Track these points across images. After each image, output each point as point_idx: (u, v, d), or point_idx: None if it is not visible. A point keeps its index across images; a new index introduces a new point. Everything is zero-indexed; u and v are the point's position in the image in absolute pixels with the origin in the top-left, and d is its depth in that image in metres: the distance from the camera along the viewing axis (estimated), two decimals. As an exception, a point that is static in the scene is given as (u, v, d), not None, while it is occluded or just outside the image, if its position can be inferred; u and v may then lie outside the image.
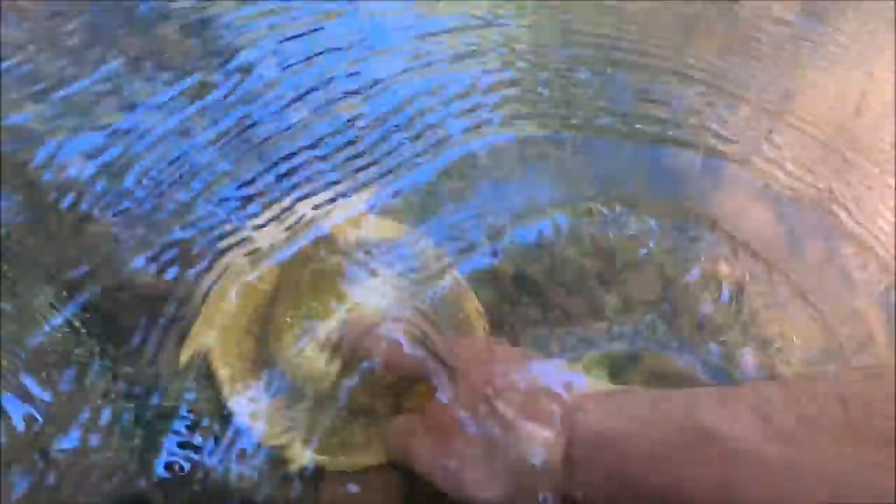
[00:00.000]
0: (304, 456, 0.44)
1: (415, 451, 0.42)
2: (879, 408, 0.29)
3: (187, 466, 0.44)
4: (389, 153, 0.57)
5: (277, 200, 0.53)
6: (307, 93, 0.59)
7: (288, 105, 0.58)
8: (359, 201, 0.54)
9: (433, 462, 0.41)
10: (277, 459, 0.44)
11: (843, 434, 0.30)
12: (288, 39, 0.62)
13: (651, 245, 0.56)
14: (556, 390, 0.41)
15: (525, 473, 0.39)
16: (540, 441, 0.39)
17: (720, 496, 0.32)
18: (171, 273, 0.49)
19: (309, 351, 0.46)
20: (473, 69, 0.63)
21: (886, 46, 0.71)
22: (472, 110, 0.60)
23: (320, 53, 0.61)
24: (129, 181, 0.52)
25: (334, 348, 0.46)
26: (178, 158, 0.54)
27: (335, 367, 0.46)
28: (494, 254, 0.54)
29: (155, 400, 0.45)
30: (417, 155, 0.57)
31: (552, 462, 0.38)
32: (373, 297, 0.49)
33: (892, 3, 0.72)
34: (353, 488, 0.44)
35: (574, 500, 0.38)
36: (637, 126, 0.62)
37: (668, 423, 0.35)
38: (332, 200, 0.54)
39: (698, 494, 0.33)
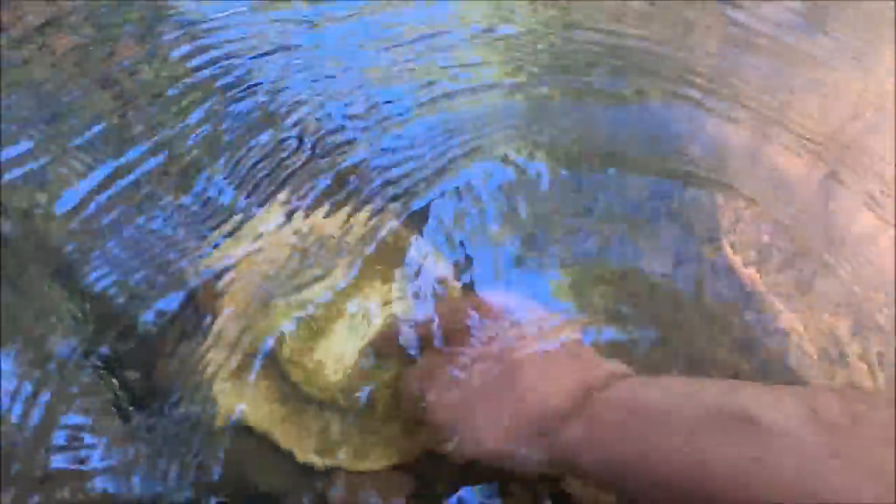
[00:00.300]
0: (313, 458, 0.45)
1: (428, 401, 0.41)
2: None
3: (197, 462, 0.44)
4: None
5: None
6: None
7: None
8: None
9: (445, 412, 0.40)
10: (287, 457, 0.45)
11: (893, 432, 0.28)
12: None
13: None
14: (580, 354, 0.41)
15: (535, 428, 0.37)
16: (561, 392, 0.38)
17: (749, 475, 0.30)
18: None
19: (320, 352, 0.48)
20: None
21: (886, 46, 0.71)
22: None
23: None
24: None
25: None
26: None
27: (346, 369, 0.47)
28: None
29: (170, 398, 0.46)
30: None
31: (569, 415, 0.37)
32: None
33: (892, 2, 0.72)
34: (365, 488, 0.45)
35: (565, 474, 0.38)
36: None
37: (705, 402, 0.34)
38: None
39: (723, 472, 0.30)
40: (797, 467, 0.29)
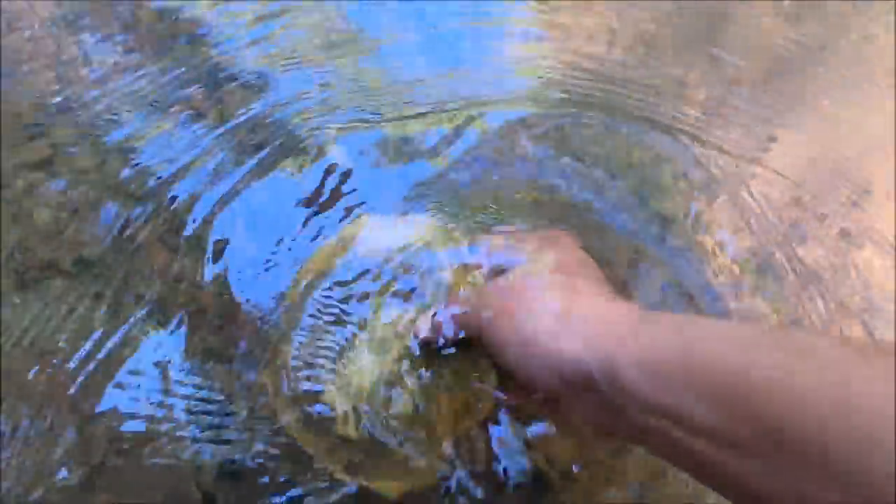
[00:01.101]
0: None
1: (488, 318, 0.43)
2: None
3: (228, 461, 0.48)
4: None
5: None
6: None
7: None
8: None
9: (509, 324, 0.42)
10: (314, 468, 0.48)
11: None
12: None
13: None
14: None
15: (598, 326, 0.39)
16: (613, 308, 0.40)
17: (781, 384, 0.30)
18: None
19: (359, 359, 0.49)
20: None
21: (882, 68, 0.71)
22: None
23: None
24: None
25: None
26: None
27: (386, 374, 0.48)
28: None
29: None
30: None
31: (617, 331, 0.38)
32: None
33: (889, 30, 0.73)
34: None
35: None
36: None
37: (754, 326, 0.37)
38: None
39: (761, 380, 0.31)
40: (824, 376, 0.30)
